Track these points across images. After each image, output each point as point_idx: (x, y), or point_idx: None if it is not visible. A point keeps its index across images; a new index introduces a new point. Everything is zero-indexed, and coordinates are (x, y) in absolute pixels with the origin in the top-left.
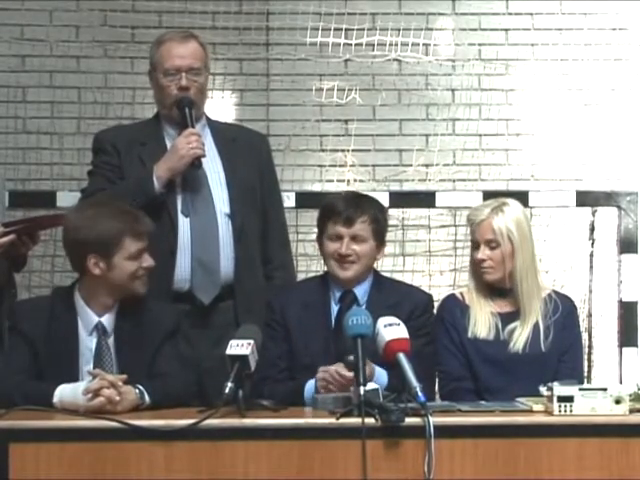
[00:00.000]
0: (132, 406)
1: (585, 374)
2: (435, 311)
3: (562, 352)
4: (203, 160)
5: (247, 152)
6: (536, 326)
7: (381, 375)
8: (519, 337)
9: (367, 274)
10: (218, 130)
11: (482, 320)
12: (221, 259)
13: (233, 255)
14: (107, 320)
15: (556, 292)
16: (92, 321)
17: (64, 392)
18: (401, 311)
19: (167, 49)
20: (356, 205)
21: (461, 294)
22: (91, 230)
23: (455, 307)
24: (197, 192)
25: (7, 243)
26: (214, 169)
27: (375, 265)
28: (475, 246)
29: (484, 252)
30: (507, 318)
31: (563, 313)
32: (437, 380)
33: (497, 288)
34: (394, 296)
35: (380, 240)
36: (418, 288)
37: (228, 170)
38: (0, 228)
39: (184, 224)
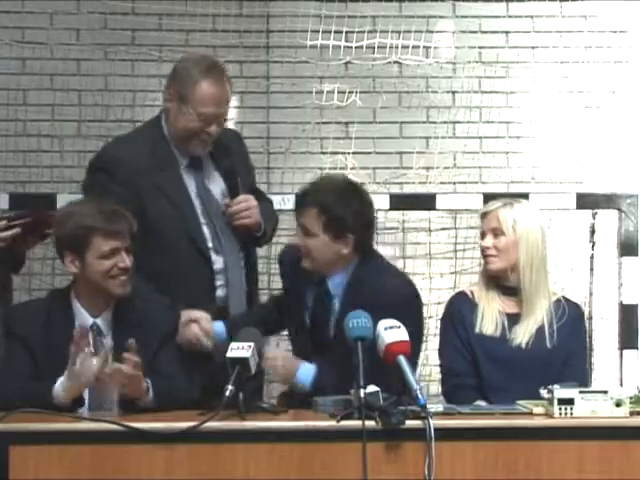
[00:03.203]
0: (138, 392)
1: None
2: (444, 308)
3: (567, 356)
4: (215, 193)
5: (234, 158)
6: (541, 327)
7: (306, 372)
8: (522, 334)
9: (336, 267)
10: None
11: (489, 317)
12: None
13: (245, 289)
14: (102, 320)
15: (565, 298)
16: (87, 322)
17: (61, 382)
18: (371, 308)
19: (209, 91)
20: (305, 194)
21: (471, 291)
22: (64, 228)
23: (464, 304)
24: (222, 228)
25: (9, 237)
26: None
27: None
28: (483, 237)
29: (488, 240)
30: (514, 318)
31: (571, 317)
32: (440, 376)
33: (507, 287)
34: (366, 293)
35: (336, 233)
36: (399, 284)
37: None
38: (2, 222)
39: (217, 261)
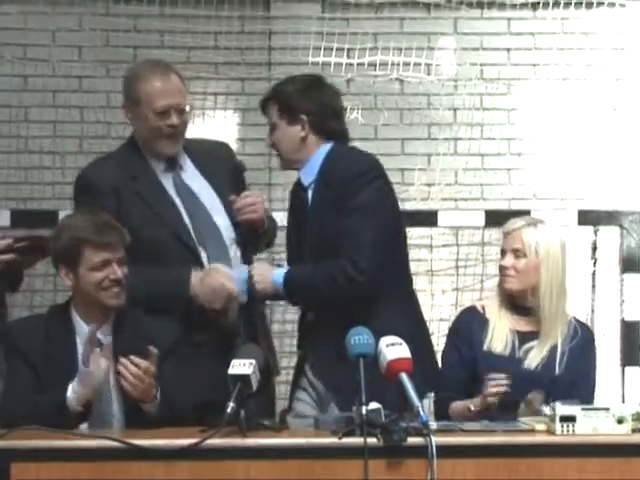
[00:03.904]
0: (147, 395)
1: None
2: (452, 322)
3: (576, 379)
4: (196, 190)
5: (222, 168)
6: (554, 349)
7: (279, 273)
8: (534, 357)
9: (301, 153)
10: (190, 152)
11: (500, 336)
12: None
13: None
14: (103, 333)
15: (576, 319)
16: (87, 335)
17: (73, 388)
18: (331, 185)
19: (155, 85)
20: (267, 93)
21: (482, 307)
22: (58, 240)
23: (473, 320)
24: (205, 223)
25: (7, 261)
26: (208, 196)
27: None
28: (503, 255)
29: (509, 260)
30: (525, 337)
31: (583, 340)
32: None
33: (521, 306)
34: (330, 173)
35: (288, 115)
36: (359, 159)
37: (220, 195)
38: (4, 241)
39: (204, 256)
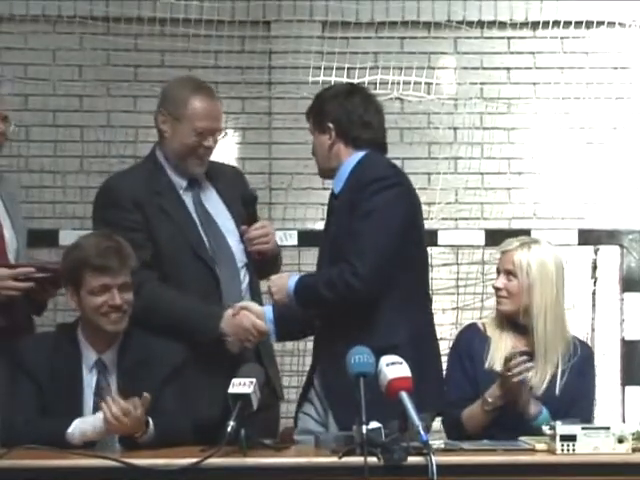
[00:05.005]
0: (138, 425)
1: None
2: (454, 339)
3: (575, 396)
4: (212, 211)
5: (237, 193)
6: (554, 367)
7: (293, 280)
8: (539, 381)
9: (331, 162)
10: (209, 173)
11: (500, 354)
12: None
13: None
14: (109, 356)
15: (576, 338)
16: (92, 358)
17: (79, 425)
18: (350, 190)
19: (201, 106)
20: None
21: (483, 324)
22: (65, 260)
23: (474, 337)
24: (219, 243)
25: (24, 289)
26: (223, 218)
27: None
28: (498, 274)
29: (501, 281)
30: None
31: (582, 358)
32: None
33: (520, 324)
34: (354, 180)
35: (319, 123)
36: (379, 167)
37: (236, 219)
38: (24, 269)
39: (219, 274)
